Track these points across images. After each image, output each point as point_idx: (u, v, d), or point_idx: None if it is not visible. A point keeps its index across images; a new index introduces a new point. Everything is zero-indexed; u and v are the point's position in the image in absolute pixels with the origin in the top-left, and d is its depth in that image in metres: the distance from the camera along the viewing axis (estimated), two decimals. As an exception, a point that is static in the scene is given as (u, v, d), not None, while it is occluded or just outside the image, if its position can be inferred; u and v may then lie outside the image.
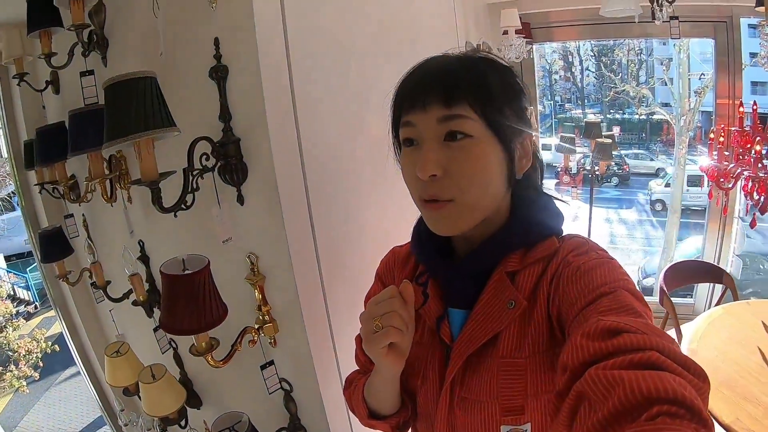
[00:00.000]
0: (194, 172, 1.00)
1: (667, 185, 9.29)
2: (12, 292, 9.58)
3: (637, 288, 0.67)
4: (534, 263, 0.75)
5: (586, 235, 0.83)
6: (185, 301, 0.99)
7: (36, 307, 9.57)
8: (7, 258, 10.61)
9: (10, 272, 10.24)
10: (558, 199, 0.85)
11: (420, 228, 0.86)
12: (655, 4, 2.06)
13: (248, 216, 1.17)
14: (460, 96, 0.70)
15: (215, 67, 1.07)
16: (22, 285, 9.95)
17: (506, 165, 0.74)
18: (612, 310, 0.60)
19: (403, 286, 0.74)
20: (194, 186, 1.01)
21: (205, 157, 1.04)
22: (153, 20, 1.18)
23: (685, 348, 2.13)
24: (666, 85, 9.57)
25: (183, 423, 1.58)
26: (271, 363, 1.26)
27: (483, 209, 0.74)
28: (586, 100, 12.34)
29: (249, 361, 1.28)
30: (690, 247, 6.55)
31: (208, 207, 1.13)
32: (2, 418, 7.85)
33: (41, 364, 7.07)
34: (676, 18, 2.28)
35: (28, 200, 2.24)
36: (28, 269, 9.79)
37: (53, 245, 1.88)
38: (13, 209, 10.52)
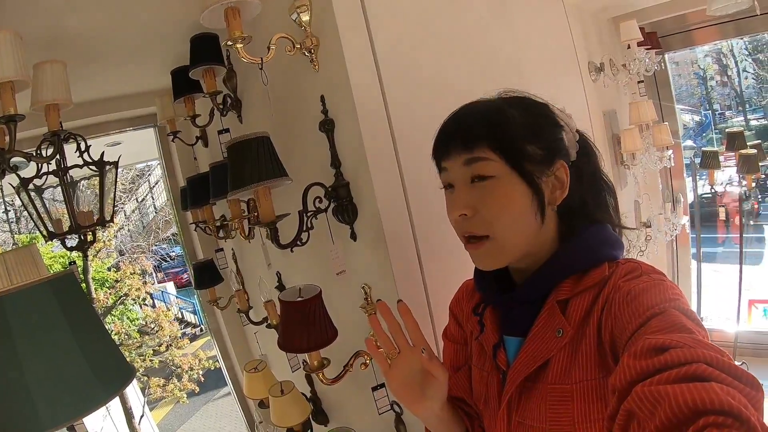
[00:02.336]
0: (308, 213, 1.15)
1: None
2: (180, 316, 10.94)
3: (690, 306, 0.66)
4: (585, 290, 0.76)
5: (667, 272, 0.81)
6: (297, 324, 1.14)
7: (201, 330, 10.59)
8: (177, 286, 12.19)
9: (179, 297, 11.74)
10: (617, 226, 0.86)
11: None
12: None
13: (361, 250, 1.30)
14: (478, 139, 0.77)
15: (323, 121, 1.23)
16: (190, 309, 11.23)
17: (534, 200, 0.77)
18: (661, 329, 0.60)
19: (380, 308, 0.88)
20: (309, 225, 1.16)
21: (318, 200, 1.18)
22: (275, 68, 1.33)
23: None
24: None
25: (308, 436, 1.74)
26: (383, 386, 1.35)
27: (518, 243, 0.78)
28: (747, 105, 10.79)
29: (365, 382, 1.38)
30: None
31: (328, 240, 1.28)
32: (162, 423, 8.94)
33: (202, 379, 7.82)
34: None
35: (186, 237, 2.64)
36: (195, 295, 11.19)
37: (205, 275, 2.20)
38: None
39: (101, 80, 2.01)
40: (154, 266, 12.12)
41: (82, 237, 1.73)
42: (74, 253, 1.86)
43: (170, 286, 12.09)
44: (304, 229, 1.15)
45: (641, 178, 2.50)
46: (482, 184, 0.76)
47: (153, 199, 12.00)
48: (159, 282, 12.39)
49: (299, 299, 1.13)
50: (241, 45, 1.07)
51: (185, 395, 7.77)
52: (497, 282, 0.87)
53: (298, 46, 1.17)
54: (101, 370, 1.00)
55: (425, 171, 1.27)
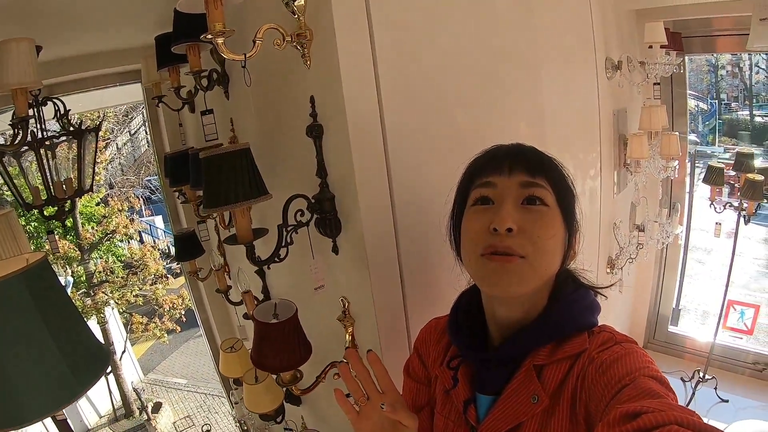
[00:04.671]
0: (288, 228, 1.07)
1: None
2: (167, 250, 10.94)
3: (659, 370, 0.69)
4: (562, 360, 0.77)
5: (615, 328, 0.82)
6: (272, 344, 1.09)
7: None
8: (165, 219, 12.12)
9: (169, 234, 11.68)
10: (597, 291, 0.88)
11: (459, 308, 0.92)
12: None
13: (342, 264, 1.23)
14: (542, 170, 0.80)
15: (311, 125, 1.12)
16: (177, 244, 11.26)
17: (566, 244, 0.81)
18: (633, 397, 0.62)
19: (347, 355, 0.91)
20: (288, 240, 1.08)
21: (300, 213, 1.10)
22: (265, 58, 1.20)
23: None
24: None
25: (279, 419, 1.74)
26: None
27: (544, 276, 0.79)
28: (754, 100, 10.53)
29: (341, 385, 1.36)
30: None
31: (303, 253, 1.20)
32: (143, 359, 9.13)
33: (184, 319, 7.91)
34: None
35: (170, 200, 2.55)
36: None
37: (186, 246, 2.13)
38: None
39: (87, 37, 1.86)
40: (144, 198, 12.02)
41: (60, 207, 1.65)
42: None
43: (159, 221, 12.00)
44: (283, 244, 1.07)
45: (642, 185, 2.41)
46: (535, 208, 0.78)
47: (146, 132, 11.74)
48: (147, 216, 12.32)
49: (273, 321, 1.07)
50: (222, 40, 0.95)
51: (166, 334, 7.88)
52: (471, 335, 0.87)
53: (289, 39, 1.05)
54: (76, 362, 0.99)
55: (417, 188, 1.20)
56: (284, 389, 1.79)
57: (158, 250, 9.49)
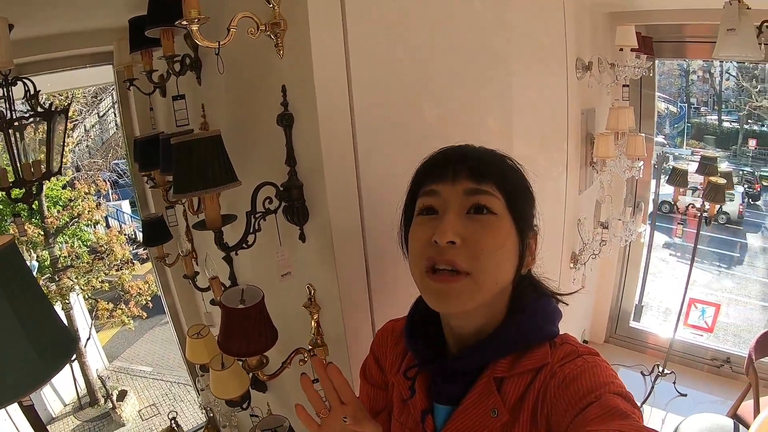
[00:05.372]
0: (256, 215, 1.09)
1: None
2: (134, 235, 10.73)
3: (624, 385, 0.68)
4: (523, 373, 0.75)
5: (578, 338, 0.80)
6: (238, 329, 1.11)
7: None
8: (133, 204, 11.86)
9: (135, 219, 11.43)
10: (559, 299, 0.85)
11: (415, 315, 0.89)
12: None
13: (309, 252, 1.25)
14: (488, 175, 0.75)
15: (282, 114, 1.13)
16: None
17: (518, 252, 0.77)
18: (599, 417, 0.61)
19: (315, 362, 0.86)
20: (256, 227, 1.09)
21: (268, 200, 1.11)
22: (239, 46, 1.23)
23: (756, 424, 1.91)
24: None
25: (245, 405, 1.75)
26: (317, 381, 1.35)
27: (492, 290, 0.74)
28: (723, 106, 10.79)
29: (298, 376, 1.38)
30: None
31: (271, 240, 1.22)
32: (108, 346, 8.97)
33: (150, 305, 7.80)
34: None
35: (139, 185, 2.51)
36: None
37: (154, 231, 2.11)
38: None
39: (58, 16, 1.82)
40: (111, 182, 11.72)
41: (27, 190, 1.62)
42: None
43: (125, 205, 11.74)
44: (251, 231, 1.08)
45: (607, 183, 2.50)
46: (480, 218, 0.74)
47: (115, 115, 11.42)
48: (114, 201, 12.02)
49: (240, 306, 1.08)
50: (197, 27, 0.95)
51: (132, 321, 7.75)
52: (428, 344, 0.85)
53: (263, 28, 1.05)
54: (43, 347, 0.97)
55: (384, 180, 1.23)
56: (250, 375, 1.81)
57: (125, 234, 9.31)
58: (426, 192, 0.78)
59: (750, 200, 9.25)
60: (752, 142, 9.71)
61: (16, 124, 1.59)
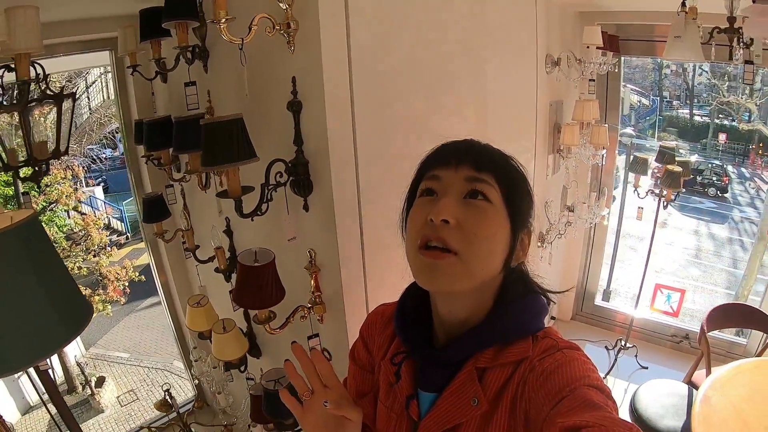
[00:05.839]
0: (269, 187, 1.27)
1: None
2: (107, 222, 10.58)
3: (601, 378, 0.70)
4: (505, 365, 0.77)
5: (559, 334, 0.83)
6: (253, 284, 1.29)
7: (127, 238, 10.44)
8: (105, 190, 11.71)
9: (109, 204, 11.31)
10: (546, 296, 0.87)
11: (405, 303, 0.91)
12: (734, 43, 1.99)
13: (312, 220, 1.44)
14: (489, 166, 0.79)
15: (292, 101, 1.33)
16: (117, 216, 10.85)
17: (509, 244, 0.79)
18: (572, 409, 0.63)
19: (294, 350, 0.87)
20: (269, 197, 1.28)
21: (279, 174, 1.30)
22: (252, 42, 1.36)
23: (701, 392, 2.11)
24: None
25: (243, 368, 1.93)
26: (317, 335, 1.54)
27: (479, 275, 0.76)
28: (695, 100, 11.08)
29: (302, 331, 1.57)
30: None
31: (283, 208, 1.41)
32: (84, 333, 8.88)
33: (128, 291, 7.78)
34: (751, 63, 2.16)
35: (134, 165, 2.63)
36: (124, 202, 10.70)
37: (154, 209, 2.24)
38: (115, 147, 11.62)
39: (65, 3, 1.93)
40: (85, 167, 11.54)
41: (37, 168, 1.74)
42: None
43: (98, 191, 11.56)
44: (265, 200, 1.26)
45: (572, 169, 2.74)
46: (476, 203, 0.77)
47: (89, 99, 11.24)
48: (87, 186, 11.83)
49: (255, 264, 1.26)
50: (225, 25, 1.12)
51: (110, 306, 7.73)
52: (417, 331, 0.87)
53: (278, 27, 1.23)
54: (64, 311, 1.04)
55: (377, 159, 1.43)
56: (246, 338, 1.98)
57: (100, 220, 9.20)
58: (429, 177, 0.82)
59: (718, 192, 9.60)
60: (722, 137, 10.00)
61: (30, 105, 1.70)
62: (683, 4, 2.03)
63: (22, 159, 1.85)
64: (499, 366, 0.77)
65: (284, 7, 1.22)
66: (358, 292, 1.48)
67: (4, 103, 1.58)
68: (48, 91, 1.81)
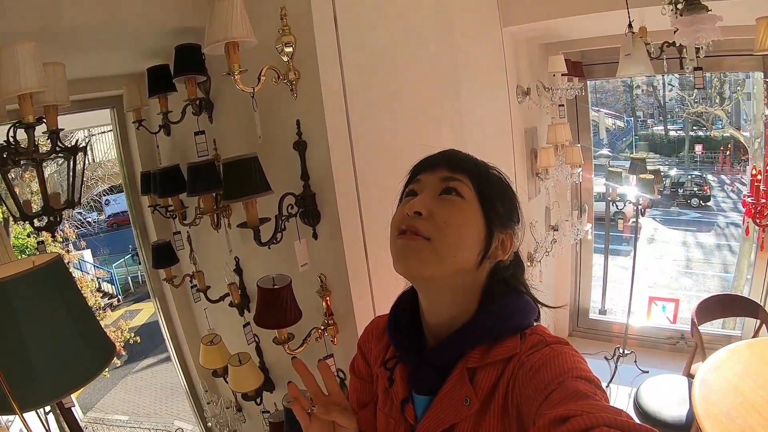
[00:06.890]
0: (283, 217, 1.41)
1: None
2: (98, 285, 10.49)
3: (590, 370, 0.71)
4: (494, 363, 0.79)
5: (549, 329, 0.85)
6: (273, 305, 1.42)
7: (119, 300, 10.38)
8: (94, 253, 11.67)
9: (99, 268, 11.19)
10: (533, 297, 0.90)
11: (398, 311, 0.94)
12: (684, 53, 2.23)
13: (321, 247, 1.58)
14: (463, 168, 0.85)
15: (297, 141, 1.50)
16: (107, 279, 10.79)
17: (484, 238, 0.82)
18: (561, 401, 0.64)
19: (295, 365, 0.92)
20: (283, 227, 1.42)
21: (290, 206, 1.44)
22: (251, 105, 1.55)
23: (699, 377, 2.19)
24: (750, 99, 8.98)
25: (258, 401, 2.01)
26: (331, 356, 1.65)
27: (451, 263, 0.79)
28: (668, 116, 11.53)
29: (315, 355, 1.67)
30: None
31: (291, 240, 1.54)
32: (81, 398, 8.70)
33: (123, 353, 7.75)
34: (700, 69, 2.41)
35: (139, 215, 2.75)
36: (113, 265, 10.69)
37: (163, 255, 2.35)
38: (101, 210, 11.67)
39: (74, 65, 2.08)
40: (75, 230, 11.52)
41: (52, 219, 1.83)
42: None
43: (87, 254, 11.53)
44: (279, 230, 1.40)
45: (552, 190, 2.93)
46: (450, 198, 0.82)
47: (85, 155, 11.31)
48: (77, 249, 11.77)
49: (275, 287, 1.39)
50: (239, 76, 1.29)
51: (107, 370, 7.58)
52: (408, 336, 0.90)
53: (282, 77, 1.41)
54: (92, 346, 1.09)
55: (375, 187, 1.60)
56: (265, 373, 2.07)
57: (93, 282, 9.14)
58: (413, 180, 0.88)
59: (701, 202, 9.86)
60: (698, 147, 10.37)
61: (47, 158, 1.81)
62: (630, 26, 2.28)
63: (36, 209, 1.94)
64: (489, 365, 0.79)
65: (286, 60, 1.40)
66: (367, 303, 1.61)
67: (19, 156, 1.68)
68: (61, 145, 1.93)
